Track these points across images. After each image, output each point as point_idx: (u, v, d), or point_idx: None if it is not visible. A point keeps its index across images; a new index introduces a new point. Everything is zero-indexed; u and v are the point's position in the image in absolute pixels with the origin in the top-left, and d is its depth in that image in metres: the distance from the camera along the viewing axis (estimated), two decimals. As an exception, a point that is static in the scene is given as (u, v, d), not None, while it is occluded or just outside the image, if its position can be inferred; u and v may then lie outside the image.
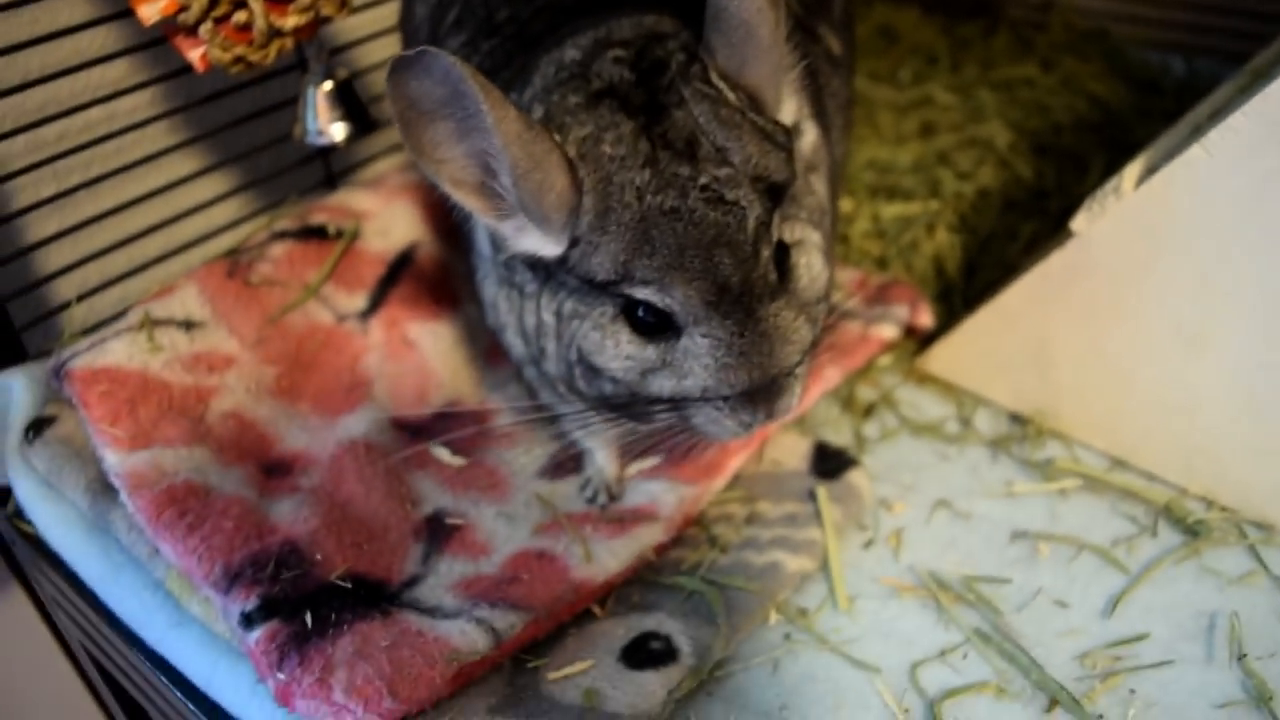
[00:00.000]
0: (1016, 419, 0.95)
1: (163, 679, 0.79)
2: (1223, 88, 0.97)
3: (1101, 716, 0.71)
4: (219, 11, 0.87)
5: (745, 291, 0.65)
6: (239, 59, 0.89)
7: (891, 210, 1.15)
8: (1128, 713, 0.72)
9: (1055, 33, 1.48)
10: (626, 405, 0.71)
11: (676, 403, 0.68)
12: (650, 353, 0.68)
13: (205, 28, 0.87)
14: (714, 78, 0.69)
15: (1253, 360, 0.81)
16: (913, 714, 0.72)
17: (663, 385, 0.68)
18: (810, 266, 0.71)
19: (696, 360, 0.66)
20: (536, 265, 0.71)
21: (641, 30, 0.73)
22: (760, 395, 0.67)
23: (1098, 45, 1.45)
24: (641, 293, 0.66)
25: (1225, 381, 0.83)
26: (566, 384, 0.75)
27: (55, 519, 0.85)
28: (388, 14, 1.13)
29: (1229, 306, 0.80)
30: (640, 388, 0.69)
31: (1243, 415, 0.83)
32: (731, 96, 0.68)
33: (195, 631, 0.77)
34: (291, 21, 0.90)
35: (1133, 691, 0.73)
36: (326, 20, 0.92)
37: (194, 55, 0.89)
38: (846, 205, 1.18)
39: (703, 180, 0.65)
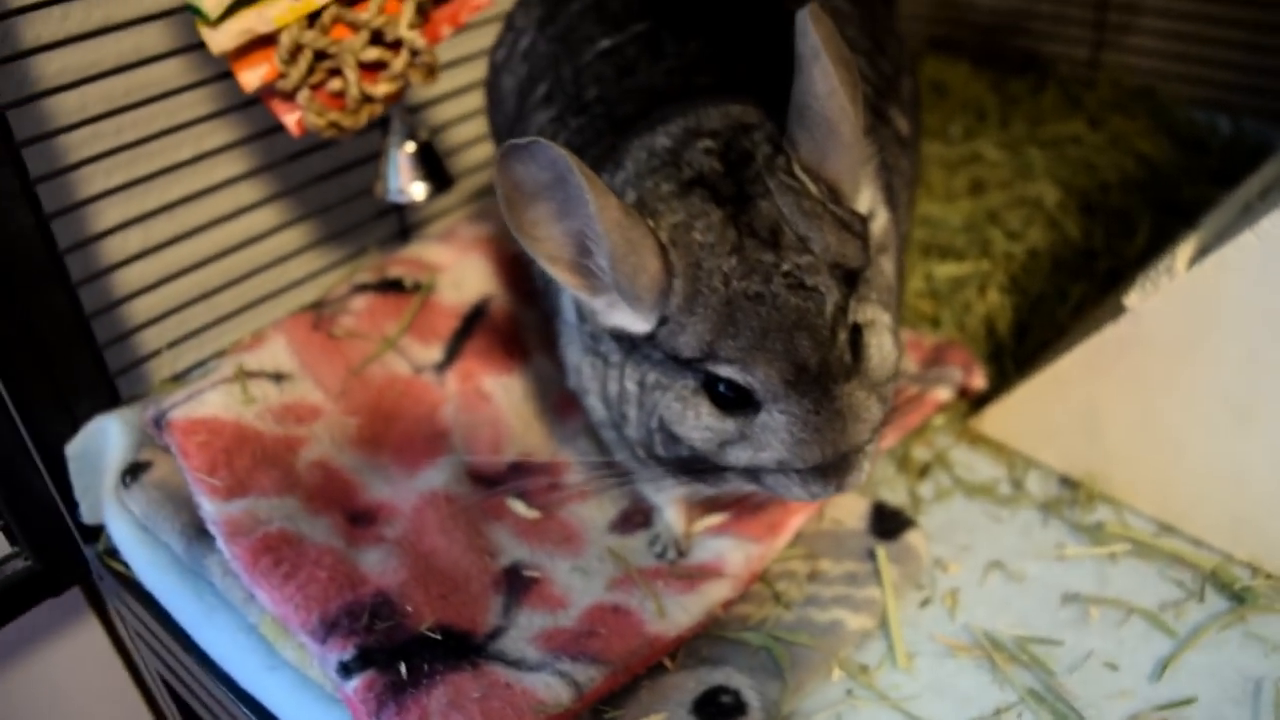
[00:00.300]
0: (1067, 482, 1.00)
1: (253, 717, 0.85)
2: (1271, 162, 1.02)
3: (1151, 778, 0.76)
4: (315, 79, 0.94)
5: (822, 372, 0.70)
6: (332, 123, 0.95)
7: (944, 270, 1.20)
8: (1176, 775, 0.76)
9: (1103, 90, 1.53)
10: (701, 470, 0.76)
11: (750, 470, 0.73)
12: (729, 426, 0.72)
13: (303, 95, 0.93)
14: (797, 170, 0.73)
15: (1296, 435, 0.85)
16: (970, 771, 0.77)
17: (739, 456, 0.73)
18: (881, 347, 0.75)
19: (773, 435, 0.71)
20: (622, 337, 0.76)
21: (729, 120, 0.78)
22: (831, 469, 0.71)
23: (1145, 103, 1.49)
24: (724, 370, 0.70)
25: (1271, 454, 0.87)
26: (645, 448, 0.79)
27: (150, 560, 0.91)
28: (464, 75, 1.19)
29: (1276, 383, 0.85)
30: (717, 457, 0.74)
31: (1288, 487, 0.87)
32: (813, 188, 0.73)
33: (289, 675, 0.82)
34: (383, 89, 0.96)
35: (1181, 754, 0.78)
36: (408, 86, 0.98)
37: (290, 120, 0.95)
38: (900, 264, 1.23)
39: (785, 267, 0.70)
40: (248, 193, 1.13)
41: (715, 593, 0.85)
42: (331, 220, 1.19)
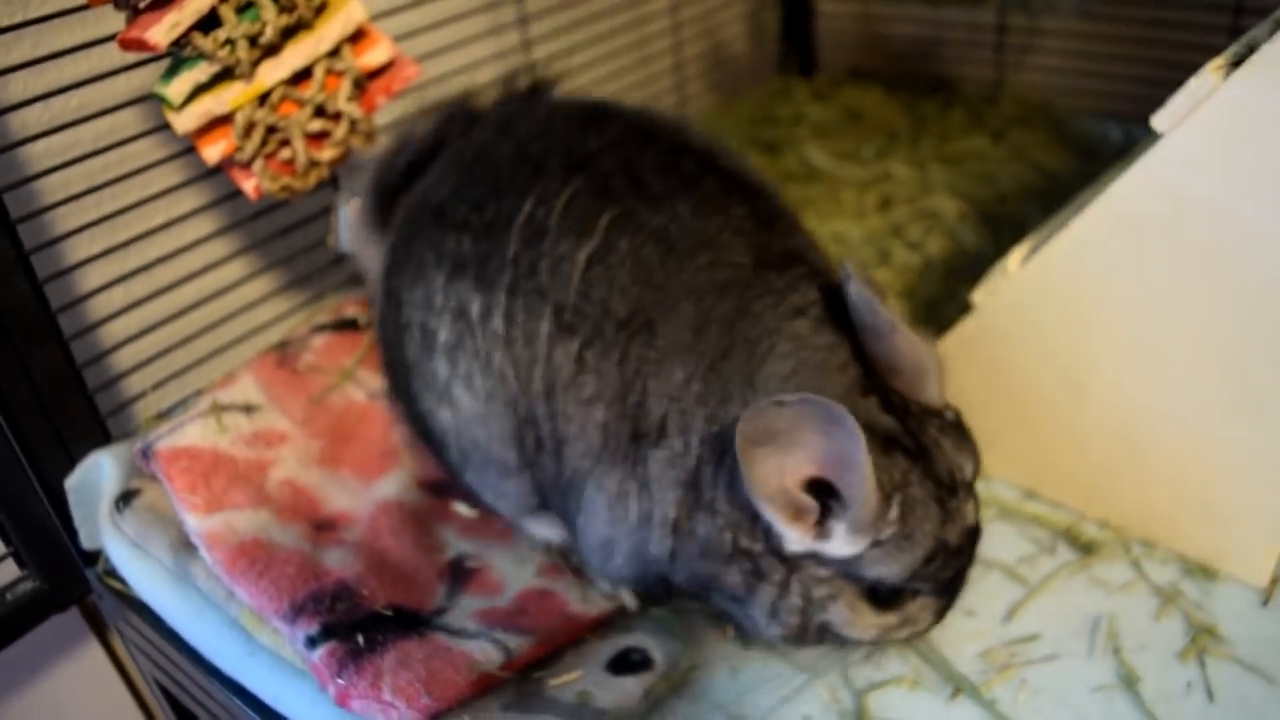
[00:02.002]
0: (945, 461, 1.19)
1: (238, 700, 1.03)
2: (1110, 172, 1.22)
3: (995, 700, 0.94)
4: (268, 149, 1.14)
5: (959, 572, 0.87)
6: (284, 187, 1.15)
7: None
8: (1018, 697, 0.94)
9: (1006, 107, 1.73)
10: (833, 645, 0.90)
11: None
12: (891, 619, 0.85)
13: (257, 165, 1.13)
14: (932, 409, 0.85)
15: (1123, 404, 1.04)
16: (843, 702, 0.95)
17: (898, 633, 0.87)
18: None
19: (932, 611, 0.87)
20: (787, 562, 0.84)
21: (853, 367, 0.85)
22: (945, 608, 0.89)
23: (1043, 117, 1.70)
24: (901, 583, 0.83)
25: (1105, 423, 1.06)
26: (794, 635, 0.88)
27: (143, 574, 1.09)
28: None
29: (1099, 360, 1.04)
30: (878, 638, 0.88)
31: (1122, 449, 1.06)
32: (950, 417, 0.86)
33: (265, 658, 0.99)
34: (328, 155, 1.16)
35: (1024, 681, 0.96)
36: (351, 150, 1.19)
37: (247, 186, 1.15)
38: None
39: (959, 504, 0.83)
40: (217, 249, 1.33)
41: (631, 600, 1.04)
42: (292, 269, 1.39)
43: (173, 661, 1.13)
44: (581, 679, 0.96)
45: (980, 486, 1.14)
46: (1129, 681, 0.95)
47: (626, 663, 0.97)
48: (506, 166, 0.94)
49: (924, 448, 0.82)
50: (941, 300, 1.37)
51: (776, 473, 0.78)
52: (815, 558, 0.82)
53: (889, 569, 0.81)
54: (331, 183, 1.27)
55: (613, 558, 0.94)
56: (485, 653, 0.94)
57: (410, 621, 0.97)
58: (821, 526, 0.81)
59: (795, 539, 0.81)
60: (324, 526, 1.09)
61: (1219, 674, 0.95)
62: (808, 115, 1.78)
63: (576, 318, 0.88)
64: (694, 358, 0.86)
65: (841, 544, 0.81)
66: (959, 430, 0.86)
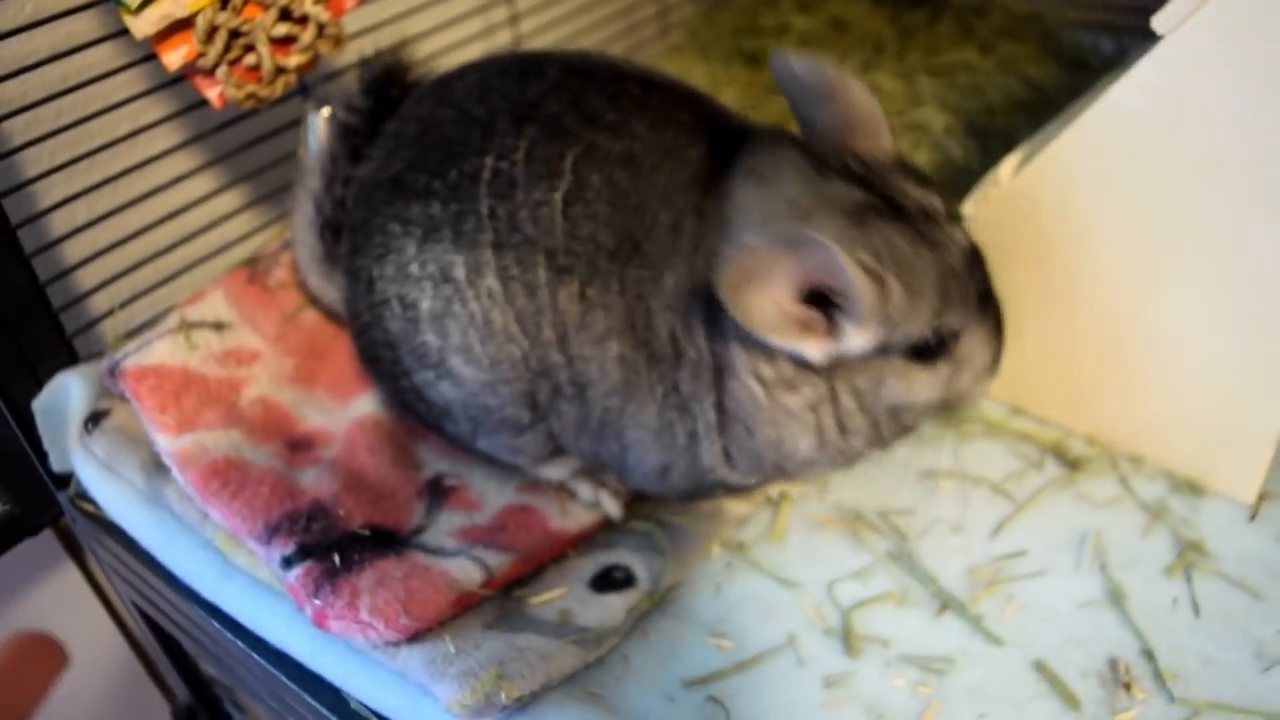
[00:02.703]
0: (932, 377, 1.17)
1: (215, 624, 1.01)
2: (1101, 82, 1.18)
3: (982, 616, 0.93)
4: (232, 55, 1.09)
5: (988, 291, 0.87)
6: (250, 95, 1.10)
7: (831, 196, 1.36)
8: (1005, 612, 0.94)
9: (995, 18, 1.68)
10: (915, 424, 0.90)
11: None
12: (943, 370, 0.85)
13: (221, 71, 1.08)
14: (891, 165, 0.86)
15: (1114, 318, 1.02)
16: (828, 620, 0.94)
17: (961, 382, 0.86)
18: None
19: (978, 348, 0.85)
20: (824, 372, 0.84)
21: (812, 153, 0.85)
22: (999, 344, 0.88)
23: (1033, 28, 1.65)
24: (946, 328, 0.83)
25: (1095, 336, 1.04)
26: (869, 442, 0.89)
27: (115, 496, 1.06)
28: (377, 39, 1.34)
29: (1092, 273, 1.02)
30: (946, 398, 0.87)
31: (1112, 364, 1.04)
32: (908, 167, 0.87)
33: (241, 580, 0.98)
34: (295, 61, 1.11)
35: (1011, 596, 0.95)
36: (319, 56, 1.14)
37: (212, 94, 1.10)
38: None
39: (945, 230, 0.83)
40: (184, 161, 1.28)
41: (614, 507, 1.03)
42: (263, 183, 1.35)
43: (149, 584, 1.11)
44: (564, 597, 0.94)
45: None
46: (1115, 597, 0.94)
47: (609, 580, 0.96)
48: (455, 131, 0.93)
49: (894, 200, 0.82)
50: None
51: (768, 303, 0.78)
52: (844, 358, 0.83)
53: (913, 326, 0.81)
54: (301, 91, 1.22)
55: (669, 479, 0.94)
56: (465, 571, 0.92)
57: (388, 540, 0.95)
58: (833, 327, 0.81)
59: (814, 350, 0.81)
60: (299, 446, 1.07)
61: (1205, 589, 0.95)
62: (793, 26, 1.72)
63: (570, 258, 0.88)
64: (678, 259, 0.86)
65: (859, 337, 0.81)
66: (917, 173, 0.87)
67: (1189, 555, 0.97)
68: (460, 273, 0.90)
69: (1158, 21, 0.89)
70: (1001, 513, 1.02)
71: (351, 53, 1.21)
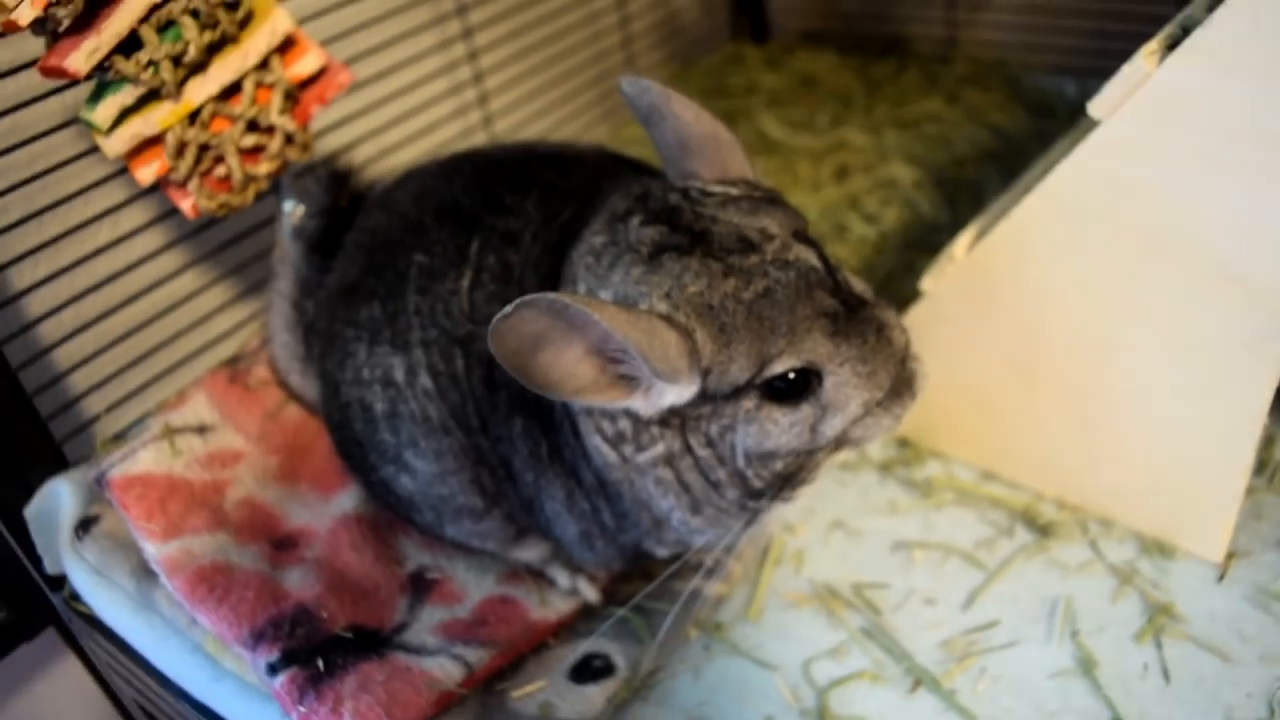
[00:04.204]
0: (904, 444, 1.19)
1: (207, 724, 1.04)
2: (1057, 146, 1.20)
3: (955, 691, 0.95)
4: (203, 167, 1.11)
5: (848, 310, 0.80)
6: (223, 204, 1.13)
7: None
8: (977, 687, 0.95)
9: (959, 66, 1.71)
10: (797, 471, 0.85)
11: (840, 437, 0.83)
12: (806, 410, 0.80)
13: (192, 184, 1.11)
14: (715, 188, 0.83)
15: (1075, 385, 1.03)
16: (804, 701, 0.95)
17: (832, 426, 0.81)
18: (858, 280, 0.85)
19: (847, 385, 0.80)
20: (668, 424, 0.83)
21: (633, 195, 0.84)
22: (902, 385, 0.83)
23: (998, 75, 1.67)
24: (779, 367, 0.78)
25: (1057, 406, 1.06)
26: (743, 493, 0.86)
27: (108, 601, 1.09)
28: (350, 105, 1.37)
29: (1050, 343, 1.03)
30: (813, 443, 0.82)
31: (1076, 429, 1.06)
32: (735, 190, 0.83)
33: (231, 683, 1.00)
34: (264, 169, 1.14)
35: (983, 670, 0.96)
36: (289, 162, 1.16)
37: (185, 205, 1.13)
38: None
39: (769, 257, 0.78)
40: (164, 265, 1.31)
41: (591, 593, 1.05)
42: (244, 278, 1.38)
43: (146, 684, 1.13)
44: (544, 689, 0.96)
45: (939, 469, 1.15)
46: (1086, 666, 0.95)
47: (588, 670, 0.98)
48: (394, 235, 0.98)
49: (699, 232, 0.79)
50: (899, 274, 1.36)
51: (553, 367, 0.76)
52: (701, 400, 0.80)
53: (740, 367, 0.78)
54: (274, 191, 1.25)
55: (596, 548, 0.96)
56: (445, 670, 0.94)
57: (370, 642, 0.97)
58: (636, 383, 0.79)
59: (640, 405, 0.80)
60: (284, 545, 1.09)
61: (1175, 654, 0.96)
62: (761, 83, 1.75)
63: (477, 343, 0.90)
64: None
65: (674, 391, 0.79)
66: (753, 195, 0.83)
67: (1159, 619, 0.98)
68: (399, 375, 0.93)
69: (1093, 107, 0.91)
70: (974, 582, 1.04)
71: (337, 141, 1.24)
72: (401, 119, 1.45)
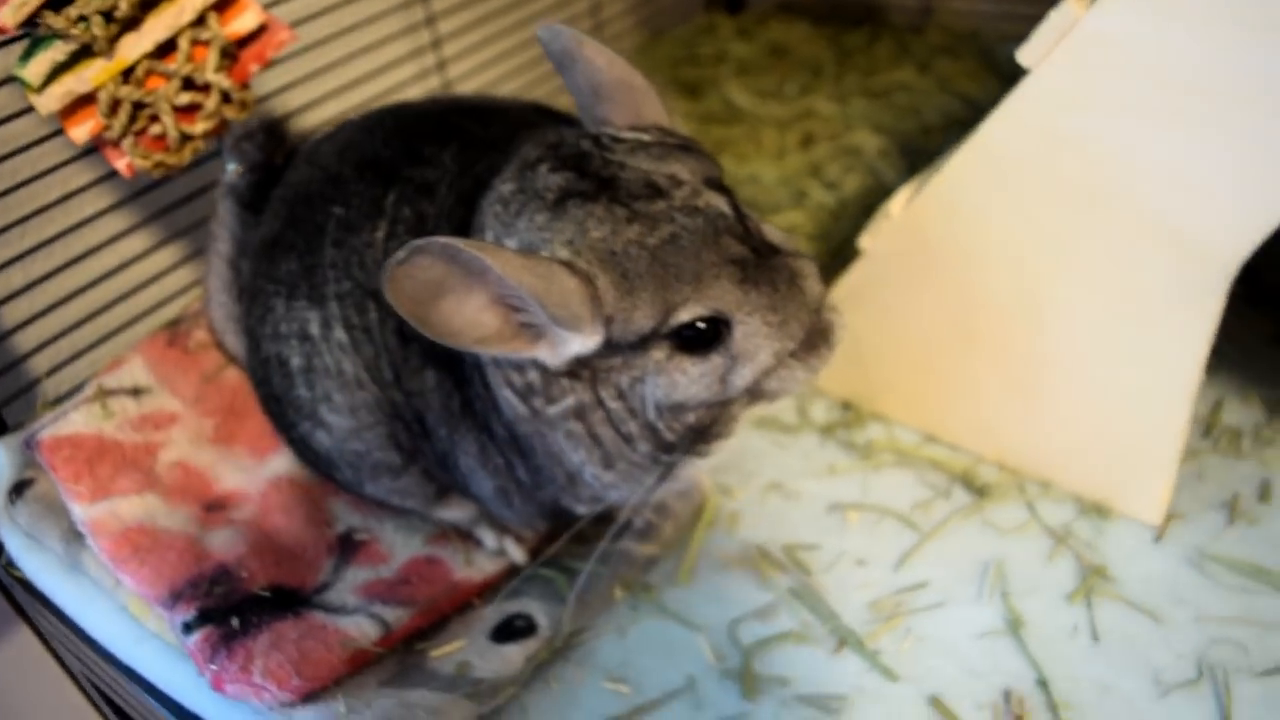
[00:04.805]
0: (847, 406, 1.17)
1: (136, 687, 1.03)
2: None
3: (879, 651, 0.93)
4: (138, 126, 1.11)
5: (758, 258, 0.77)
6: (159, 164, 1.12)
7: (756, 227, 1.36)
8: (902, 646, 0.93)
9: (933, 36, 1.69)
10: (710, 424, 0.83)
11: (752, 388, 0.81)
12: (716, 360, 0.79)
13: (127, 142, 1.11)
14: (627, 134, 0.82)
15: (1011, 345, 1.02)
16: (727, 660, 0.94)
17: (743, 377, 0.79)
18: (776, 230, 0.83)
19: (757, 335, 0.78)
20: (578, 375, 0.81)
21: (545, 143, 0.83)
22: (817, 336, 0.80)
23: (971, 45, 1.65)
24: (685, 315, 0.76)
25: (995, 364, 1.04)
26: (655, 447, 0.85)
27: (40, 565, 1.08)
28: (302, 65, 1.37)
29: (986, 302, 1.02)
30: (724, 394, 0.80)
31: (1014, 391, 1.04)
32: (647, 136, 0.82)
33: (154, 644, 0.99)
34: (200, 128, 1.13)
35: (909, 630, 0.95)
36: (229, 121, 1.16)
37: (120, 164, 1.12)
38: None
39: (677, 203, 0.77)
40: (114, 223, 1.31)
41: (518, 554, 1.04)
42: (193, 240, 1.37)
43: (81, 649, 1.13)
44: (464, 649, 0.95)
45: (881, 432, 1.14)
46: (1014, 626, 0.94)
47: (510, 629, 0.97)
48: (316, 187, 0.97)
49: (606, 178, 0.78)
50: (853, 241, 1.33)
51: (458, 318, 0.75)
52: (607, 350, 0.78)
53: (644, 315, 0.76)
54: (217, 153, 1.25)
55: (511, 504, 0.95)
56: (360, 628, 0.94)
57: (289, 601, 0.96)
58: (541, 332, 0.77)
59: (546, 355, 0.78)
60: (215, 506, 1.09)
61: (1106, 615, 0.94)
62: (731, 53, 1.74)
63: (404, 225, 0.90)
64: None
65: (578, 340, 0.77)
66: (665, 142, 0.81)
67: (1091, 580, 0.96)
68: (315, 329, 0.92)
69: (1022, 55, 0.89)
70: (907, 543, 1.02)
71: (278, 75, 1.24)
72: (358, 82, 1.45)
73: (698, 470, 0.91)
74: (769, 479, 1.10)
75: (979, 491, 1.06)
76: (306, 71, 1.40)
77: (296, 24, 1.33)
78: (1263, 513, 1.01)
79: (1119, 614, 0.94)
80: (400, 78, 1.51)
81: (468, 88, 1.59)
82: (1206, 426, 1.09)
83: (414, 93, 1.54)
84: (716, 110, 1.61)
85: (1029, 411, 1.04)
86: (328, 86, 1.44)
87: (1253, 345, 1.18)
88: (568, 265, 0.75)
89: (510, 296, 0.75)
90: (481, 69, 1.60)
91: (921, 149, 1.47)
